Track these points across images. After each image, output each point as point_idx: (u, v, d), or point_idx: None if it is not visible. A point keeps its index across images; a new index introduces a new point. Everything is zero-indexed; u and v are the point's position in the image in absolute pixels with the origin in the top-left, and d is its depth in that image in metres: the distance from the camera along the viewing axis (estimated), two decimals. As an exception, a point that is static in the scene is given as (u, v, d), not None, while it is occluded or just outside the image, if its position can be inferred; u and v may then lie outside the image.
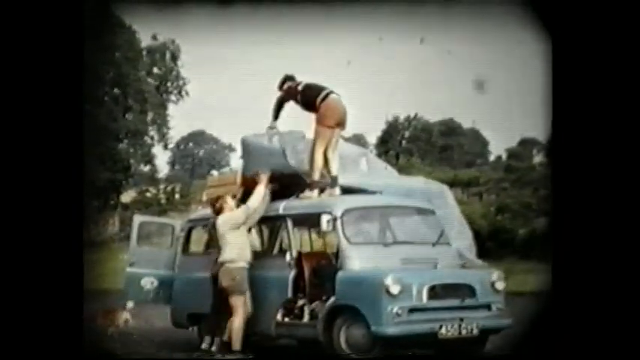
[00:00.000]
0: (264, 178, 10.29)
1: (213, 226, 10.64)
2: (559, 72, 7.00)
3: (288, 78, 11.01)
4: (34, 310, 6.60)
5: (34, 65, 6.80)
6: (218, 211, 10.44)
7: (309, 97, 10.69)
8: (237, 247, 10.13)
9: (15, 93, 6.73)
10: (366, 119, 63.94)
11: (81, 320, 6.87)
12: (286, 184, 10.69)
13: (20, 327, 6.57)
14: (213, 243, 10.74)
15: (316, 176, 10.52)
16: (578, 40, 6.97)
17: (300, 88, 10.84)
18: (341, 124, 10.75)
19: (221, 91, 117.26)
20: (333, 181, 10.58)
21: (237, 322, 10.04)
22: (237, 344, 10.06)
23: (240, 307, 10.04)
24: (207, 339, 10.55)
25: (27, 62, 6.78)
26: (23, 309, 6.59)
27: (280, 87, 11.01)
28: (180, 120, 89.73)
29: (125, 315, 11.23)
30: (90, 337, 9.85)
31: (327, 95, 10.63)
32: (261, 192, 10.25)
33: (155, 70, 49.65)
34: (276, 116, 10.99)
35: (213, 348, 10.38)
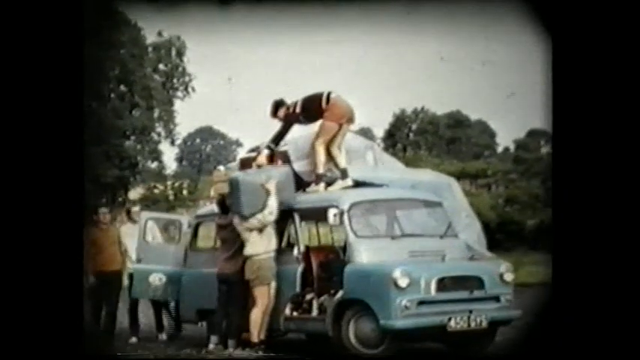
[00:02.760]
0: (272, 188, 10.20)
1: (221, 225, 10.65)
2: (559, 70, 6.96)
3: (279, 104, 10.96)
4: (35, 310, 6.58)
5: (35, 63, 6.76)
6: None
7: (313, 107, 10.70)
8: (261, 242, 10.15)
9: (16, 91, 6.69)
10: (373, 112, 63.96)
11: (81, 320, 6.85)
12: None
13: (21, 326, 6.55)
14: (222, 240, 10.73)
15: (320, 169, 10.50)
16: (578, 38, 6.93)
17: (298, 108, 10.81)
18: (351, 119, 10.77)
19: (227, 87, 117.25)
20: (344, 174, 10.56)
21: (255, 314, 10.04)
22: (254, 337, 10.05)
23: (262, 298, 10.02)
24: (213, 339, 10.51)
25: (27, 59, 6.74)
26: (24, 308, 6.57)
27: (274, 114, 10.96)
28: (187, 116, 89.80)
29: None
30: (90, 337, 9.88)
31: (329, 95, 10.66)
32: (274, 201, 10.16)
33: (161, 66, 49.62)
34: (276, 143, 10.93)
35: (230, 349, 10.30)
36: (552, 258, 7.09)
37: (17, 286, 6.57)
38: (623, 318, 6.69)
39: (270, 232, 10.24)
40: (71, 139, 6.82)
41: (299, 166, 10.80)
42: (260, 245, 10.11)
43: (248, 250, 10.16)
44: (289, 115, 10.87)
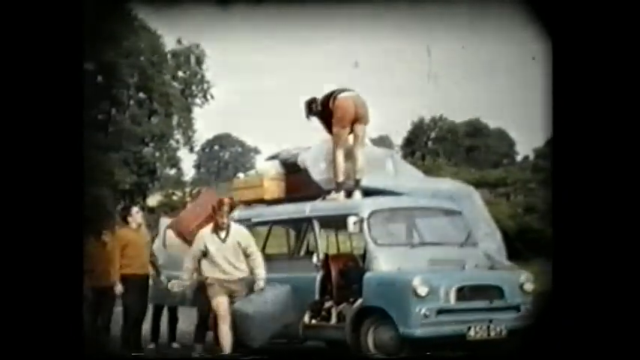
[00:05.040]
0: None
1: None
2: (559, 72, 6.91)
3: (310, 102, 10.96)
4: (35, 310, 6.54)
5: (34, 64, 6.71)
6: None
7: (325, 105, 10.69)
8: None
9: (15, 94, 6.65)
10: (392, 120, 64.05)
11: (81, 320, 6.80)
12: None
13: (21, 327, 6.51)
14: None
15: (340, 178, 10.46)
16: (578, 40, 6.88)
17: (319, 106, 10.82)
18: (358, 119, 10.62)
19: (246, 94, 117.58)
20: (355, 184, 10.52)
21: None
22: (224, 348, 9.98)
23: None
24: (198, 347, 10.33)
25: (27, 61, 6.70)
26: (24, 308, 6.52)
27: (309, 112, 10.96)
28: (206, 123, 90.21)
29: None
30: (90, 338, 9.82)
31: (335, 96, 10.61)
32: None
33: (180, 73, 49.88)
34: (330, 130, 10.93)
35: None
36: (552, 265, 7.06)
37: (17, 288, 6.53)
38: (624, 325, 6.62)
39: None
40: (71, 143, 6.75)
41: (317, 173, 10.78)
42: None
43: None
44: (316, 112, 10.87)
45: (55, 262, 6.61)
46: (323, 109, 10.72)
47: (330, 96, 10.65)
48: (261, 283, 9.81)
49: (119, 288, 10.86)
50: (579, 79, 6.83)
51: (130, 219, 11.24)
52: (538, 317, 8.84)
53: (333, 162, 10.56)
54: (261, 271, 9.85)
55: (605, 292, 6.67)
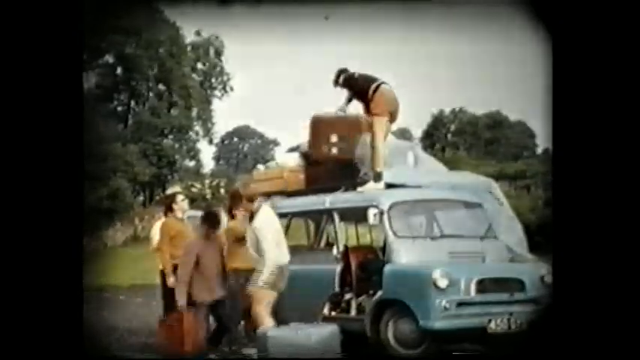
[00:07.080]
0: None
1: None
2: (559, 71, 6.87)
3: (342, 72, 10.96)
4: (35, 310, 6.52)
5: (35, 63, 6.70)
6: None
7: (363, 86, 10.69)
8: None
9: (16, 93, 6.63)
10: (412, 112, 63.95)
11: (81, 320, 6.76)
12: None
13: (21, 326, 6.49)
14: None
15: (381, 167, 10.41)
16: (578, 40, 6.84)
17: (357, 76, 10.81)
18: (393, 114, 10.72)
19: (266, 86, 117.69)
20: (377, 177, 10.50)
21: None
22: None
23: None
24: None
25: (27, 59, 6.68)
26: (25, 308, 6.50)
27: (336, 82, 10.95)
28: (225, 115, 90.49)
29: None
30: (90, 337, 9.74)
31: (379, 85, 10.60)
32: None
33: (199, 65, 50.03)
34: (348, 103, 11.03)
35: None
36: (552, 259, 7.03)
37: (17, 287, 6.50)
38: (625, 321, 6.57)
39: None
40: (71, 142, 6.72)
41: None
42: None
43: None
44: (348, 79, 10.84)
45: (56, 261, 6.58)
46: (360, 85, 10.71)
47: (371, 83, 10.65)
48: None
49: (172, 280, 10.16)
50: (579, 78, 6.80)
51: (175, 207, 10.67)
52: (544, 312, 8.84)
53: (373, 151, 10.47)
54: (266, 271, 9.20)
55: (606, 288, 6.63)
